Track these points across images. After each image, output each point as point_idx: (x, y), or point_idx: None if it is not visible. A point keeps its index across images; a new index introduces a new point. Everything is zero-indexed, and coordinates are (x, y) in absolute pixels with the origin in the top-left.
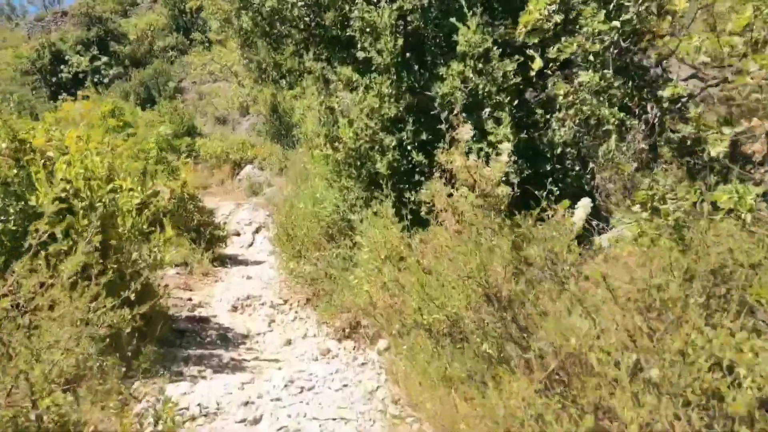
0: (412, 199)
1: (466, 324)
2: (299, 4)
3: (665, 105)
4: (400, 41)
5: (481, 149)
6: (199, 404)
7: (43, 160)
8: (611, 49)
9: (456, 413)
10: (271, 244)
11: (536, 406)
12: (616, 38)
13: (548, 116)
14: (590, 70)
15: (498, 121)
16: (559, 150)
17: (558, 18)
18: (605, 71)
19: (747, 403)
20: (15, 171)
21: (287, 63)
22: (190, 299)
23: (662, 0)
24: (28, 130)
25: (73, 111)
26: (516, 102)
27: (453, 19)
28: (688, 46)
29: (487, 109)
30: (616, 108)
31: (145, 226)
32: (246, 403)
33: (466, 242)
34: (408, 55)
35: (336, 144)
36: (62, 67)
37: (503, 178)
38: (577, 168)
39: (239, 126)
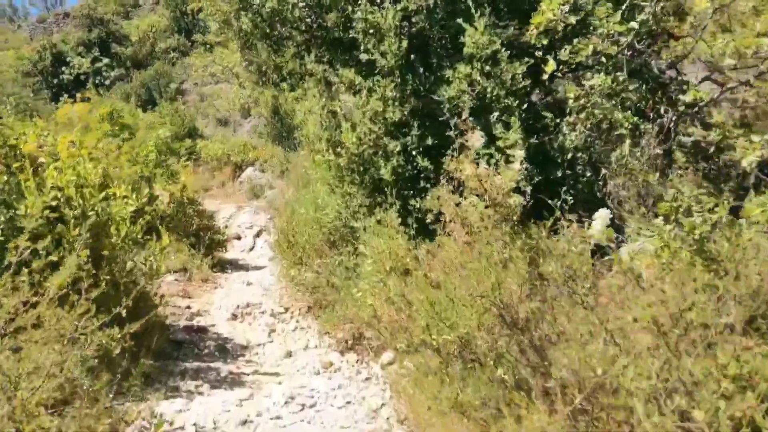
0: (418, 206)
1: (479, 345)
2: (300, 5)
3: (681, 109)
4: (405, 43)
5: (489, 155)
6: (194, 423)
7: (34, 167)
8: (625, 51)
9: None
10: (272, 250)
11: None
12: (631, 40)
13: (558, 120)
14: (602, 73)
15: (507, 126)
16: (569, 155)
17: (573, 18)
18: (617, 74)
19: None
20: (5, 178)
21: (288, 65)
22: (188, 307)
23: None
24: (19, 135)
25: (70, 114)
26: (524, 106)
27: (460, 20)
28: (710, 47)
29: (496, 113)
30: (630, 112)
31: (139, 235)
32: (244, 422)
33: (479, 258)
34: (412, 57)
35: (338, 149)
36: (63, 68)
37: (515, 187)
38: (588, 174)
39: (240, 128)
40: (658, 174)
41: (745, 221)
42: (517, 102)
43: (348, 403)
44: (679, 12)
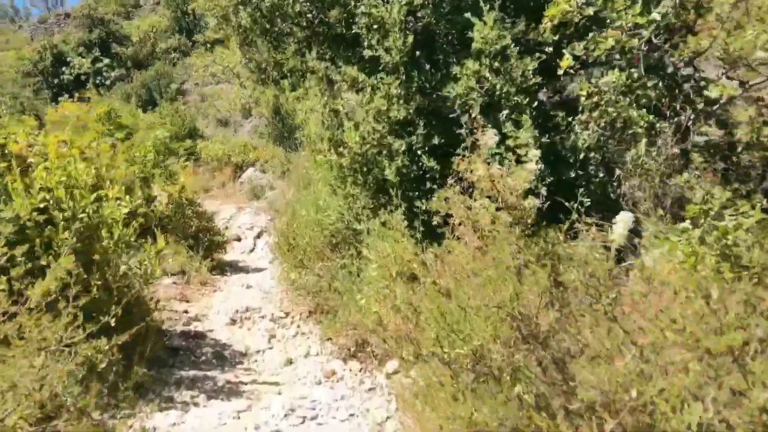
0: (424, 208)
1: (494, 360)
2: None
3: (700, 107)
4: (410, 38)
5: (500, 155)
6: None
7: (23, 167)
8: (642, 46)
9: None
10: (272, 252)
11: None
12: (651, 33)
13: (570, 119)
14: (616, 69)
15: (517, 125)
16: (581, 155)
17: (591, 10)
18: (632, 70)
19: None
20: None
21: (289, 63)
22: (186, 311)
23: None
24: (7, 135)
25: (62, 113)
26: (535, 104)
27: (468, 14)
28: (734, 41)
29: (505, 112)
30: (645, 110)
31: (132, 238)
32: None
33: (496, 265)
34: (418, 53)
35: (341, 149)
36: (64, 69)
37: (530, 188)
38: (601, 175)
39: (241, 128)
40: (684, 174)
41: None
42: (527, 100)
43: (351, 415)
44: (698, 5)
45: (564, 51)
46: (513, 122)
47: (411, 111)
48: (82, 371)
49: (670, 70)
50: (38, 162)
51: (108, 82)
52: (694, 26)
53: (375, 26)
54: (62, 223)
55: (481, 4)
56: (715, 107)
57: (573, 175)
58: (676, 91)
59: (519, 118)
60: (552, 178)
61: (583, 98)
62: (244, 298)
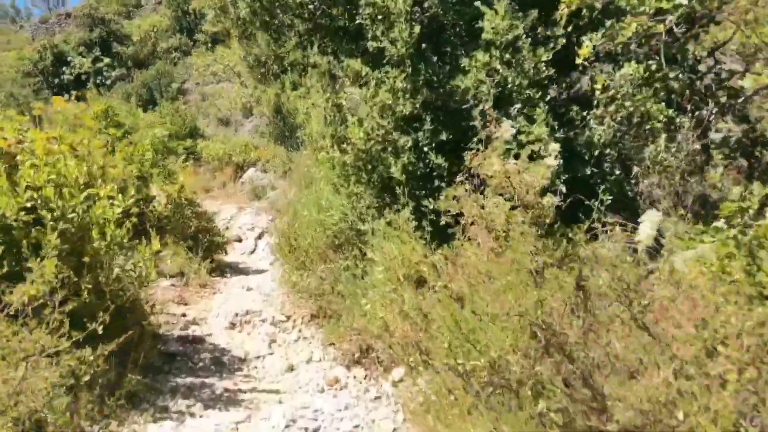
0: (432, 208)
1: (513, 372)
2: None
3: (723, 100)
4: (417, 29)
5: (513, 151)
6: None
7: (10, 165)
8: (663, 37)
9: None
10: (273, 254)
11: None
12: (675, 20)
13: (585, 113)
14: (632, 61)
15: (529, 119)
16: (597, 152)
17: None
18: (649, 62)
19: None
20: None
21: (290, 56)
22: (184, 315)
23: None
24: None
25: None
26: (548, 98)
27: (478, 3)
28: (761, 32)
29: (517, 106)
30: (664, 104)
31: (125, 239)
32: None
33: (515, 269)
34: (425, 45)
35: (344, 145)
36: (64, 68)
37: (550, 186)
38: (618, 172)
39: (242, 127)
40: (711, 172)
41: None
42: (540, 93)
43: (356, 427)
44: None
45: (583, 39)
46: (525, 117)
47: (417, 105)
48: (69, 381)
49: (691, 61)
50: (23, 159)
51: (108, 82)
52: (716, 16)
53: (380, 17)
54: (50, 223)
55: None
56: (739, 100)
57: (588, 172)
58: (698, 83)
59: (531, 113)
60: (567, 175)
61: (598, 92)
62: (244, 300)
